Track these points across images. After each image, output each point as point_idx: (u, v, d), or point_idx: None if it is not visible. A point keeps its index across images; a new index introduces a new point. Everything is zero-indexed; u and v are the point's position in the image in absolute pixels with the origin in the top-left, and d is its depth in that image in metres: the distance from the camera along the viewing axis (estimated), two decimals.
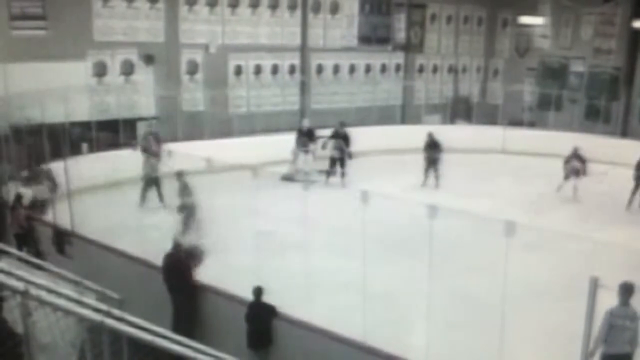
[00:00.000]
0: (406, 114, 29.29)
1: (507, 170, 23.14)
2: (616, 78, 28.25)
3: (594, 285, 8.06)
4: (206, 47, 23.72)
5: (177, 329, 8.90)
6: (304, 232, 16.09)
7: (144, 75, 22.26)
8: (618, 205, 19.05)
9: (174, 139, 21.05)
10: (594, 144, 25.06)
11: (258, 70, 25.17)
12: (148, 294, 10.54)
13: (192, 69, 23.56)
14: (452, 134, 22.51)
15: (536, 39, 30.58)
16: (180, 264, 10.58)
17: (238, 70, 24.69)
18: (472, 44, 31.58)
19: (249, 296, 9.89)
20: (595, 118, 28.45)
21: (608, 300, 8.15)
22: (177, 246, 10.74)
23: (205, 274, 10.77)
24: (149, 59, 22.22)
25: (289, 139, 21.86)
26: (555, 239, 13.94)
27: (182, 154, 19.06)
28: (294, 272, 13.26)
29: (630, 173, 19.91)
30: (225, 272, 12.27)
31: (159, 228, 13.69)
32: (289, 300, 10.13)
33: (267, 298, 9.83)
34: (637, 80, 27.67)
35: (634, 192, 19.24)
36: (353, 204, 17.66)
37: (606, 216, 17.85)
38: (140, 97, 22.18)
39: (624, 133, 27.53)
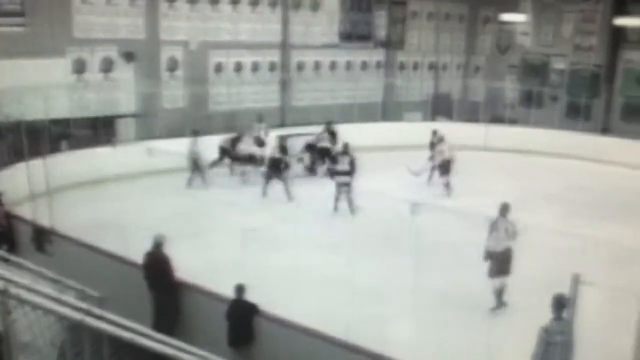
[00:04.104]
0: (387, 111, 29.30)
1: (490, 167, 23.25)
2: (597, 75, 28.46)
3: (576, 281, 8.08)
4: (186, 44, 23.62)
5: (158, 326, 8.84)
6: (288, 228, 16.18)
7: (124, 72, 22.12)
8: (603, 203, 19.12)
9: (154, 136, 21.00)
10: (575, 141, 25.32)
11: (238, 67, 25.11)
12: (129, 292, 10.47)
13: (173, 66, 23.46)
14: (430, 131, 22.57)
15: (517, 36, 30.77)
16: (160, 262, 10.52)
17: (218, 67, 24.62)
18: (453, 41, 31.70)
19: (230, 293, 9.85)
20: (576, 115, 28.61)
21: (591, 296, 8.16)
22: (157, 244, 10.67)
23: (187, 271, 10.72)
24: (129, 56, 22.09)
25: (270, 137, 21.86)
26: (540, 236, 14.00)
27: (163, 151, 19.11)
28: (277, 268, 13.29)
29: (612, 170, 20.06)
30: (207, 268, 12.28)
31: (141, 225, 13.65)
32: (272, 298, 10.11)
33: (250, 295, 9.79)
34: (618, 77, 27.92)
35: None
36: (338, 200, 17.72)
37: (592, 213, 17.92)
38: (120, 95, 22.05)
39: (605, 130, 27.71)
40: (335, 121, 22.45)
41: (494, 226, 12.09)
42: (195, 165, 19.53)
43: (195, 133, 19.60)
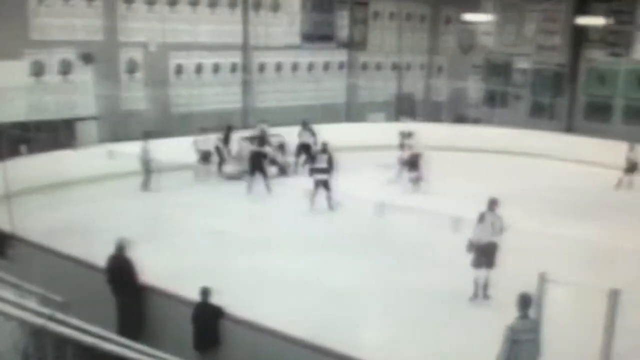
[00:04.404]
0: (350, 112, 29.31)
1: (454, 167, 23.33)
2: (560, 74, 28.71)
3: (542, 280, 8.12)
4: (146, 46, 23.38)
5: (122, 331, 8.73)
6: (254, 230, 16.10)
7: (83, 75, 21.80)
8: (569, 201, 19.24)
9: (115, 139, 20.78)
10: (539, 140, 25.54)
11: (199, 69, 24.91)
12: (93, 296, 10.33)
13: (132, 67, 23.20)
14: (396, 132, 22.61)
15: (480, 36, 30.92)
16: (124, 265, 10.39)
17: (179, 69, 24.39)
18: (415, 41, 31.71)
19: (196, 296, 9.74)
20: (540, 114, 28.92)
21: (559, 294, 8.20)
22: (120, 247, 10.53)
23: (152, 274, 10.59)
24: (87, 58, 21.80)
25: (232, 139, 21.79)
26: (506, 234, 14.07)
27: (125, 154, 18.95)
28: (244, 270, 13.22)
29: (577, 168, 20.24)
30: (173, 271, 12.15)
31: (104, 228, 13.49)
32: (238, 300, 10.03)
33: (215, 298, 9.69)
34: (581, 76, 28.16)
35: None
36: (303, 202, 17.79)
37: (558, 212, 18.03)
38: (79, 97, 21.73)
39: (569, 129, 27.98)
40: (292, 122, 22.44)
41: (481, 219, 12.28)
42: (147, 168, 19.26)
43: (147, 135, 19.33)
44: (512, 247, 13.58)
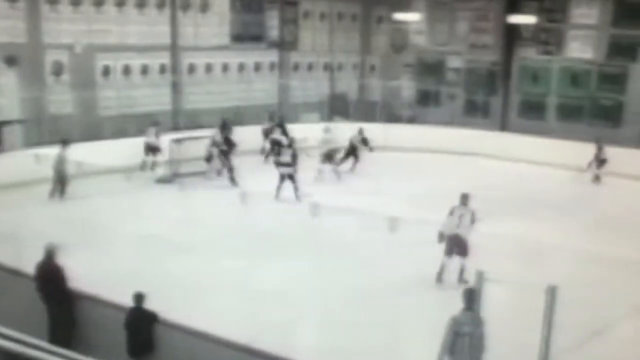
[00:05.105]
0: (283, 113, 29.16)
1: (389, 167, 23.46)
2: (493, 73, 29.08)
3: (480, 278, 8.18)
4: (72, 48, 22.86)
5: (54, 339, 8.51)
6: (186, 233, 15.88)
7: (6, 77, 21.23)
8: (505, 199, 19.42)
9: (41, 143, 20.28)
10: (474, 139, 25.86)
11: (127, 70, 24.48)
12: (22, 305, 10.05)
13: (58, 70, 22.64)
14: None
15: (412, 35, 31.09)
16: (53, 272, 10.12)
17: (106, 71, 23.91)
18: (347, 41, 31.73)
19: (129, 302, 9.53)
20: (474, 113, 29.26)
21: (496, 291, 8.25)
22: (49, 254, 10.25)
23: (83, 280, 10.33)
24: (10, 60, 21.25)
25: (163, 141, 21.52)
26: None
27: (51, 158, 18.46)
28: (177, 274, 13.02)
29: (512, 166, 20.49)
30: (105, 277, 11.88)
31: (32, 235, 13.11)
32: (172, 305, 9.87)
33: (149, 303, 9.49)
34: (514, 74, 28.57)
35: None
36: (235, 204, 17.68)
37: (494, 209, 18.12)
38: (3, 100, 21.16)
39: (503, 127, 28.36)
40: (229, 123, 22.24)
41: (451, 212, 13.05)
42: (60, 176, 18.75)
43: (65, 143, 18.81)
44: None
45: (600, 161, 22.51)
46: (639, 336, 11.35)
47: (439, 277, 13.00)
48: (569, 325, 8.83)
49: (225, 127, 21.86)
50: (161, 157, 21.76)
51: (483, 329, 8.33)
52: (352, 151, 23.12)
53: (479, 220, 12.93)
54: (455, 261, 12.96)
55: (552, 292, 7.57)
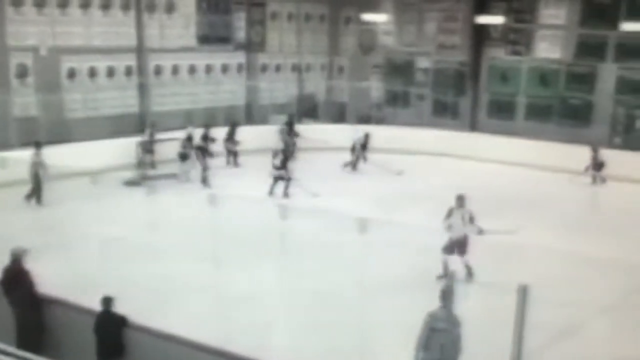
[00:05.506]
0: (251, 114, 29.10)
1: (358, 168, 23.49)
2: (462, 73, 29.15)
3: (451, 279, 8.26)
4: (36, 50, 22.60)
5: (22, 343, 8.42)
6: (155, 237, 15.76)
7: None
8: (475, 200, 19.43)
9: (6, 146, 20.01)
10: (443, 139, 25.94)
11: (93, 72, 24.24)
12: None
13: (22, 72, 22.36)
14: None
15: (380, 36, 31.09)
16: (20, 276, 10.01)
17: (72, 73, 23.66)
18: (315, 41, 31.69)
19: (97, 306, 9.44)
20: (443, 113, 29.36)
21: (470, 291, 8.30)
22: (16, 258, 10.13)
23: (51, 284, 10.22)
24: None
25: (130, 143, 21.37)
26: (410, 234, 14.20)
27: (17, 161, 18.21)
28: (147, 278, 12.93)
29: (482, 166, 20.56)
30: (72, 281, 11.74)
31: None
32: (143, 308, 9.79)
33: (118, 306, 9.41)
34: (483, 74, 28.71)
35: None
36: (204, 207, 17.51)
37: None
38: None
39: (473, 127, 28.50)
40: (193, 125, 22.27)
41: (449, 214, 13.54)
42: (36, 180, 18.55)
43: (38, 145, 18.63)
44: (421, 246, 13.78)
45: (598, 164, 22.65)
46: (609, 335, 11.45)
47: (445, 273, 13.11)
48: (541, 324, 8.88)
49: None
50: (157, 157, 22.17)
51: (460, 330, 8.47)
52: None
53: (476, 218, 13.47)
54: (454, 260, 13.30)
55: (523, 292, 7.61)
